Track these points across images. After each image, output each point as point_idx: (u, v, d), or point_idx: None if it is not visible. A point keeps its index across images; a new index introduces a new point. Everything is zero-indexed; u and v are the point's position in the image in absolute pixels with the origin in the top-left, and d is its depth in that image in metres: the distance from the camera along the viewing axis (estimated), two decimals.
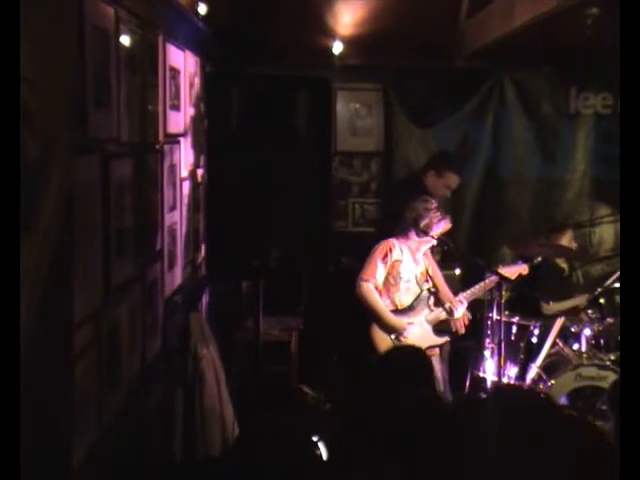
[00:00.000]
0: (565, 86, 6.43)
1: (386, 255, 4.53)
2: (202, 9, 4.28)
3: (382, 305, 4.51)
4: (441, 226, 4.57)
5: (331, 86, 5.51)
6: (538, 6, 4.33)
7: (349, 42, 5.92)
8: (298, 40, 5.80)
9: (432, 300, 4.70)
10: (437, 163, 5.61)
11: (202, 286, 4.25)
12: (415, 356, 3.24)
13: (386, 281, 4.56)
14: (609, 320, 5.15)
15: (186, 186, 4.04)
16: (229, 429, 3.64)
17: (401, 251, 4.58)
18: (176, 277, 3.77)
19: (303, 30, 5.76)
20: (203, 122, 4.23)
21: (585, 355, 5.02)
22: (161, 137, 3.44)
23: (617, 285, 5.25)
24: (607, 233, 6.53)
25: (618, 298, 5.20)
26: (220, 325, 4.45)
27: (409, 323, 4.57)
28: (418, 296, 4.65)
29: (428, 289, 4.70)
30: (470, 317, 4.78)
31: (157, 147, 3.38)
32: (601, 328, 5.15)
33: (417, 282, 4.66)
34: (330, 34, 5.89)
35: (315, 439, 4.02)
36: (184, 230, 3.95)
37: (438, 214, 4.55)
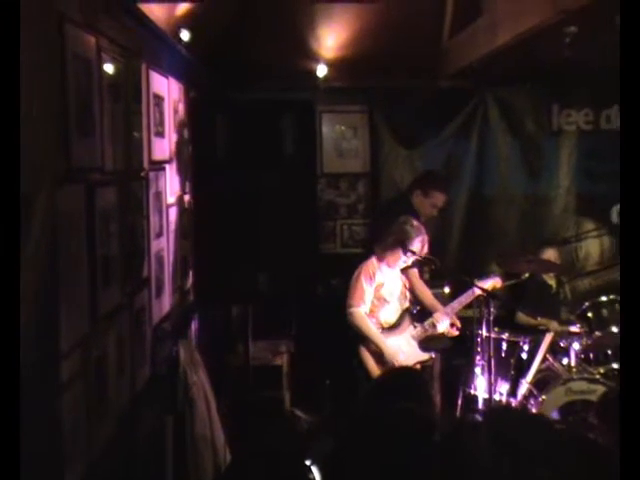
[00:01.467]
0: (547, 103, 6.50)
1: (371, 277, 4.54)
2: (185, 35, 4.30)
3: (376, 332, 4.52)
4: (418, 244, 4.55)
5: (315, 109, 5.52)
6: (519, 25, 4.38)
7: (333, 65, 5.98)
8: (282, 64, 5.84)
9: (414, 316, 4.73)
10: (423, 183, 5.64)
11: (191, 312, 4.23)
12: (413, 378, 3.23)
13: (371, 303, 4.56)
14: (597, 334, 5.18)
15: (173, 212, 4.04)
16: (220, 455, 3.60)
17: (382, 272, 4.59)
18: (164, 304, 3.75)
19: (287, 54, 5.80)
20: (188, 148, 4.24)
21: (575, 369, 5.02)
22: (146, 164, 3.44)
23: (604, 299, 5.29)
24: (593, 248, 6.59)
25: (605, 312, 5.24)
26: (210, 351, 4.43)
27: (399, 349, 4.56)
28: (401, 314, 4.66)
29: (409, 306, 4.71)
30: (459, 325, 4.77)
31: (142, 174, 3.38)
32: (590, 342, 5.16)
33: (399, 300, 4.67)
34: (314, 57, 5.94)
35: (308, 463, 4.00)
36: (171, 256, 3.94)
37: (417, 232, 4.54)
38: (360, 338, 4.52)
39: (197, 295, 4.19)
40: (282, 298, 4.11)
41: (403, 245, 4.54)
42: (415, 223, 4.63)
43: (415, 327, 4.68)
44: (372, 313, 4.57)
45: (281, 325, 5.32)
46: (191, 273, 4.41)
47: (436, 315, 4.71)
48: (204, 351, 4.10)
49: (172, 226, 3.99)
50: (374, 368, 4.48)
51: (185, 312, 4.13)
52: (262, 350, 5.07)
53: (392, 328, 4.61)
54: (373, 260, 4.61)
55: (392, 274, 4.65)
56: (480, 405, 4.92)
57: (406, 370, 3.82)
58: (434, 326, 4.67)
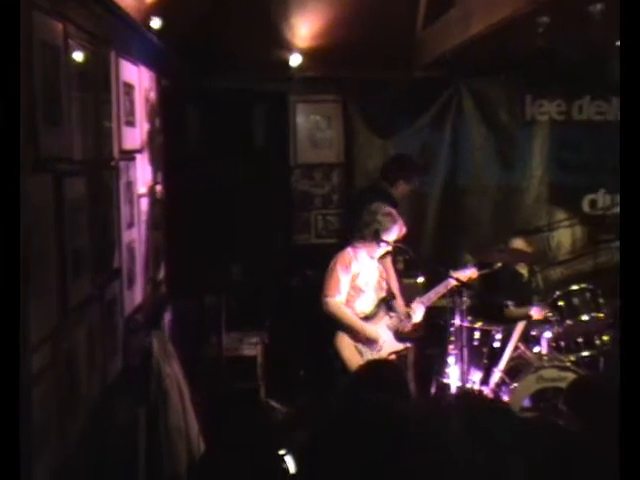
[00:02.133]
0: (520, 94, 6.55)
1: (347, 267, 4.54)
2: (156, 23, 4.24)
3: (353, 317, 4.52)
4: (395, 231, 4.56)
5: (288, 99, 5.52)
6: (491, 15, 4.39)
7: (307, 54, 5.94)
8: (256, 53, 5.79)
9: (390, 306, 4.73)
10: (404, 171, 5.64)
11: (164, 303, 4.20)
12: (389, 370, 3.24)
13: (347, 293, 4.56)
14: (568, 322, 5.23)
15: (144, 203, 4.00)
16: (194, 445, 3.59)
17: (359, 261, 4.59)
18: (136, 295, 3.72)
19: (260, 43, 5.76)
20: (160, 137, 4.19)
21: (546, 357, 5.08)
22: (116, 154, 3.40)
23: (575, 287, 5.35)
24: (565, 237, 6.67)
25: (576, 300, 5.29)
26: (184, 342, 4.40)
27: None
28: (377, 304, 4.67)
29: (385, 296, 4.71)
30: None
31: (112, 164, 3.34)
32: (561, 330, 5.22)
33: (375, 290, 4.67)
34: (288, 47, 5.90)
35: (282, 453, 4.00)
36: (143, 247, 3.91)
37: (391, 219, 4.55)
38: (339, 327, 4.51)
39: (170, 286, 4.16)
40: (256, 289, 4.10)
41: (377, 235, 4.54)
42: (389, 210, 4.63)
43: (390, 317, 4.69)
44: (348, 303, 4.56)
45: (255, 316, 5.30)
46: (163, 264, 4.38)
47: (412, 305, 4.71)
48: (177, 342, 4.07)
49: (144, 216, 3.95)
50: (350, 358, 4.48)
51: (158, 303, 4.10)
52: (236, 341, 5.05)
53: (368, 318, 4.62)
54: (349, 250, 4.60)
55: (368, 263, 4.64)
56: (453, 394, 4.95)
57: (382, 363, 3.83)
58: (409, 316, 4.68)
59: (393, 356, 4.65)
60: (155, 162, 4.20)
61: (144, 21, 4.08)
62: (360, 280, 4.58)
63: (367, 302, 4.64)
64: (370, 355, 4.53)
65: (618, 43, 4.82)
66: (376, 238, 4.53)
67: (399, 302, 4.78)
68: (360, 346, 4.54)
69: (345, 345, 4.52)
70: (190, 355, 4.33)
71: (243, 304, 4.67)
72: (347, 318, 4.49)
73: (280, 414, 5.31)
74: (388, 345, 4.64)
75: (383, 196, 5.27)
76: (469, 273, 4.89)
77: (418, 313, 4.70)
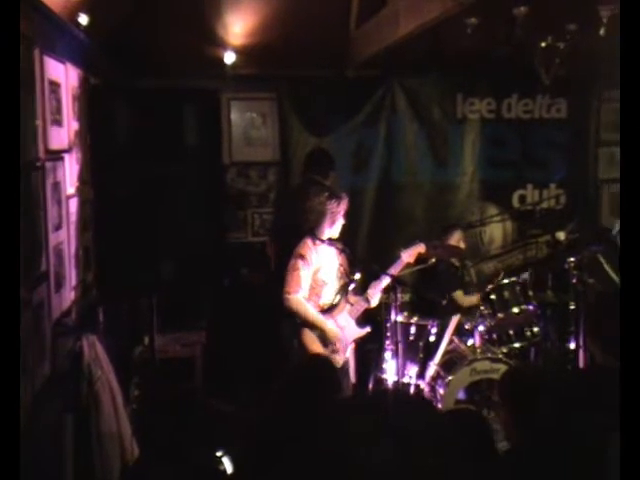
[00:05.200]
0: (452, 92, 6.68)
1: (308, 261, 4.51)
2: (83, 20, 4.16)
3: (315, 314, 4.53)
4: (342, 207, 4.57)
5: (219, 97, 5.46)
6: (421, 16, 4.46)
7: (241, 52, 5.92)
8: (189, 51, 5.74)
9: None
10: (319, 165, 5.69)
11: (94, 306, 4.13)
12: (323, 367, 3.27)
13: (310, 286, 4.56)
14: (500, 315, 5.37)
15: (72, 204, 3.92)
16: (128, 451, 3.54)
17: (318, 253, 4.58)
18: (64, 299, 3.64)
19: (194, 41, 5.71)
20: (88, 137, 4.11)
21: (479, 350, 5.20)
22: (42, 154, 3.32)
23: (506, 281, 5.49)
24: (496, 232, 6.86)
25: (507, 294, 5.44)
26: (116, 345, 4.34)
27: (339, 326, 4.60)
28: (338, 292, 4.69)
29: (345, 284, 4.73)
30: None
31: (38, 164, 3.26)
32: (493, 323, 5.36)
33: (337, 279, 4.69)
34: (222, 45, 5.86)
35: (219, 454, 3.98)
36: (72, 249, 3.83)
37: (335, 200, 4.55)
38: (300, 323, 4.52)
39: (100, 288, 4.08)
40: (189, 289, 4.06)
41: (312, 233, 4.55)
42: (322, 189, 4.65)
43: (351, 304, 4.71)
44: (310, 296, 4.56)
45: (191, 316, 5.26)
46: (93, 265, 4.30)
47: (369, 291, 4.73)
48: (110, 345, 4.01)
49: (72, 217, 3.87)
50: (315, 351, 4.48)
51: (88, 306, 4.03)
52: (172, 342, 5.01)
53: (331, 308, 4.64)
54: (308, 242, 4.56)
55: (328, 253, 4.64)
56: (389, 388, 5.02)
57: (316, 360, 3.86)
58: (368, 301, 4.70)
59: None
60: (83, 162, 4.12)
61: (71, 18, 3.99)
62: (322, 273, 4.58)
63: (330, 293, 4.66)
64: (334, 346, 4.57)
65: (543, 44, 4.98)
66: (310, 237, 4.54)
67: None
68: (322, 338, 4.56)
69: (310, 339, 4.53)
70: (123, 358, 4.27)
71: (177, 304, 4.62)
72: (309, 316, 4.50)
73: (221, 414, 5.29)
74: (350, 332, 4.67)
75: (317, 185, 5.27)
76: (418, 249, 4.89)
77: (375, 297, 4.73)
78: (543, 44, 4.94)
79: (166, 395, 4.46)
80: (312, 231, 4.55)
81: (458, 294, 5.75)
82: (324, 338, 4.56)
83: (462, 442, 1.33)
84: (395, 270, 4.73)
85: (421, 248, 4.91)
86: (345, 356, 4.69)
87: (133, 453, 3.60)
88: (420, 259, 5.37)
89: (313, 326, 4.52)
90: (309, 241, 4.56)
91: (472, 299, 5.69)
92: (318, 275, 4.57)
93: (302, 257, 4.51)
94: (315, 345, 4.53)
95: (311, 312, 4.52)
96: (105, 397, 3.50)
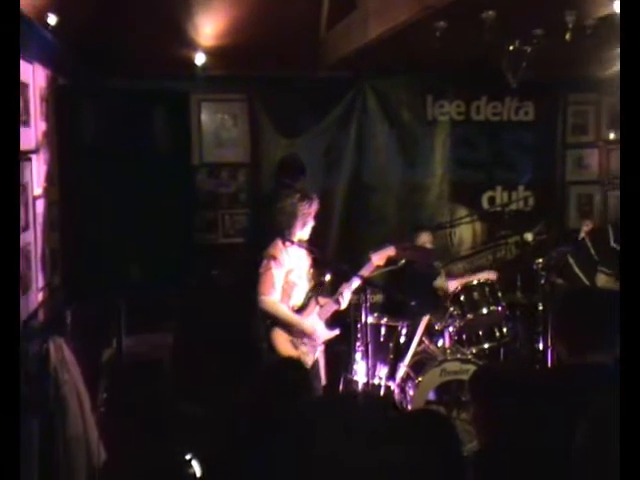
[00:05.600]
0: (422, 94, 6.74)
1: (280, 262, 4.52)
2: (52, 20, 4.12)
3: (289, 313, 4.54)
4: (314, 208, 4.58)
5: (190, 98, 5.43)
6: (390, 19, 4.50)
7: (212, 53, 5.90)
8: (159, 51, 5.70)
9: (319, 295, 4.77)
10: (287, 170, 5.70)
11: (62, 308, 4.09)
12: (294, 370, 3.27)
13: (282, 288, 4.57)
14: (469, 316, 5.42)
15: (40, 205, 3.88)
16: (95, 455, 3.51)
17: (289, 254, 4.59)
18: (31, 301, 3.60)
19: (164, 41, 5.67)
20: (56, 138, 4.07)
21: (449, 351, 5.24)
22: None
23: (474, 282, 5.55)
24: (466, 233, 6.92)
25: (476, 294, 5.49)
26: (84, 347, 4.30)
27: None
28: (308, 294, 4.71)
29: (314, 285, 4.74)
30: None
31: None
32: (462, 324, 5.40)
33: (307, 281, 4.72)
34: (192, 46, 5.84)
35: (188, 457, 3.97)
36: (39, 251, 3.79)
37: (305, 200, 4.56)
38: (275, 324, 4.53)
39: (67, 290, 4.05)
40: (158, 291, 4.04)
41: (282, 235, 4.55)
42: (293, 191, 4.66)
43: (321, 306, 4.72)
44: (282, 298, 4.56)
45: (160, 318, 5.23)
46: (61, 267, 4.26)
47: (339, 292, 4.73)
48: (77, 348, 3.97)
49: (39, 219, 3.83)
50: (287, 353, 4.50)
51: (55, 308, 3.99)
52: (141, 344, 4.97)
53: (301, 309, 4.65)
54: (279, 243, 4.56)
55: (299, 255, 4.65)
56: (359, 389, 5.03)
57: (287, 362, 3.87)
58: (338, 302, 4.72)
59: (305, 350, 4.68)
60: (51, 163, 4.08)
61: (39, 18, 3.95)
62: (293, 274, 4.60)
63: (300, 294, 4.67)
64: (305, 348, 4.59)
65: (510, 48, 5.04)
66: (281, 239, 4.55)
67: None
68: (295, 340, 4.58)
69: (281, 341, 4.54)
70: (90, 361, 4.23)
71: (146, 306, 4.59)
72: (284, 315, 4.52)
73: (189, 416, 5.26)
74: (321, 333, 4.69)
75: (288, 187, 5.28)
76: (388, 252, 4.93)
77: (346, 298, 4.74)
78: (511, 48, 5.01)
79: (134, 398, 4.44)
80: (283, 232, 4.56)
81: (439, 282, 5.78)
82: (295, 340, 4.57)
83: (423, 443, 1.35)
84: (365, 272, 4.76)
85: (391, 251, 4.94)
86: (314, 357, 4.71)
87: (100, 457, 3.57)
88: (390, 261, 5.40)
89: (290, 326, 4.53)
90: (280, 242, 4.57)
91: (454, 283, 5.71)
92: (289, 277, 4.59)
93: (274, 258, 4.52)
94: (286, 346, 4.54)
95: (286, 312, 4.54)
96: (72, 401, 3.46)
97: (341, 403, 1.34)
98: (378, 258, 4.83)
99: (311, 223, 4.64)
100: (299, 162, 5.88)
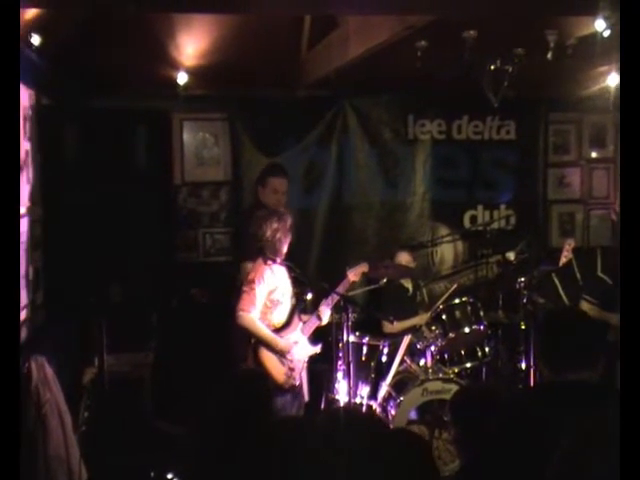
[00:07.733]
0: (403, 113, 6.78)
1: (264, 280, 4.53)
2: (35, 40, 4.13)
3: (266, 331, 4.55)
4: (288, 226, 4.61)
5: (171, 117, 5.48)
6: (371, 38, 4.56)
7: (193, 73, 5.91)
8: (141, 72, 5.71)
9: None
10: (260, 176, 5.68)
11: (43, 327, 4.06)
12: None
13: (264, 305, 4.58)
14: (451, 335, 5.41)
15: (23, 223, 3.86)
16: (76, 474, 3.48)
17: (274, 272, 4.60)
18: None
19: (146, 61, 5.68)
20: (39, 157, 4.06)
21: (431, 370, 5.23)
22: None
23: (457, 301, 5.55)
24: (447, 252, 6.94)
25: (458, 313, 5.49)
26: (65, 366, 4.27)
27: (293, 342, 4.65)
28: (290, 311, 4.72)
29: (296, 303, 4.77)
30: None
31: None
32: (444, 343, 5.39)
33: (291, 298, 4.74)
34: (174, 65, 5.86)
35: (170, 476, 3.95)
36: (22, 270, 3.76)
37: (267, 226, 4.57)
38: (257, 342, 4.54)
39: (49, 308, 4.03)
40: (139, 310, 4.03)
41: (264, 253, 4.57)
42: (263, 214, 4.68)
43: (304, 322, 4.75)
44: (264, 315, 4.57)
45: (141, 337, 5.21)
46: (43, 286, 4.23)
47: (320, 308, 4.78)
48: (59, 367, 3.94)
49: (23, 237, 3.81)
50: (273, 368, 4.53)
51: (37, 327, 3.96)
52: (122, 363, 4.94)
53: (284, 327, 4.67)
54: (261, 261, 4.58)
55: (282, 273, 4.67)
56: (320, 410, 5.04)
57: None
58: (319, 318, 4.77)
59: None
60: (35, 182, 4.07)
61: (23, 38, 3.96)
62: (277, 293, 4.62)
63: (283, 312, 4.69)
64: (290, 364, 4.62)
65: (492, 67, 5.10)
66: (262, 258, 4.57)
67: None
68: (281, 357, 4.60)
69: (267, 357, 4.55)
70: (72, 380, 4.20)
71: (126, 325, 4.57)
72: (260, 332, 4.53)
73: (169, 435, 5.22)
74: (303, 349, 4.72)
75: (258, 206, 5.28)
76: (361, 269, 5.00)
77: (326, 314, 4.79)
78: (492, 67, 5.05)
79: (115, 417, 4.41)
80: (264, 251, 4.58)
81: (385, 324, 5.71)
82: (281, 357, 4.59)
83: (402, 462, 1.36)
84: (342, 288, 4.82)
85: (364, 267, 5.05)
86: (300, 375, 4.73)
87: (81, 476, 3.53)
88: (372, 279, 5.43)
89: (265, 343, 4.54)
90: (261, 261, 4.59)
91: (414, 320, 5.70)
92: (273, 295, 4.60)
93: (258, 276, 4.54)
94: (272, 364, 4.55)
95: (263, 330, 4.55)
96: (53, 420, 3.44)
97: (323, 420, 1.35)
98: (353, 274, 4.93)
99: (288, 239, 4.66)
100: (284, 166, 5.86)
